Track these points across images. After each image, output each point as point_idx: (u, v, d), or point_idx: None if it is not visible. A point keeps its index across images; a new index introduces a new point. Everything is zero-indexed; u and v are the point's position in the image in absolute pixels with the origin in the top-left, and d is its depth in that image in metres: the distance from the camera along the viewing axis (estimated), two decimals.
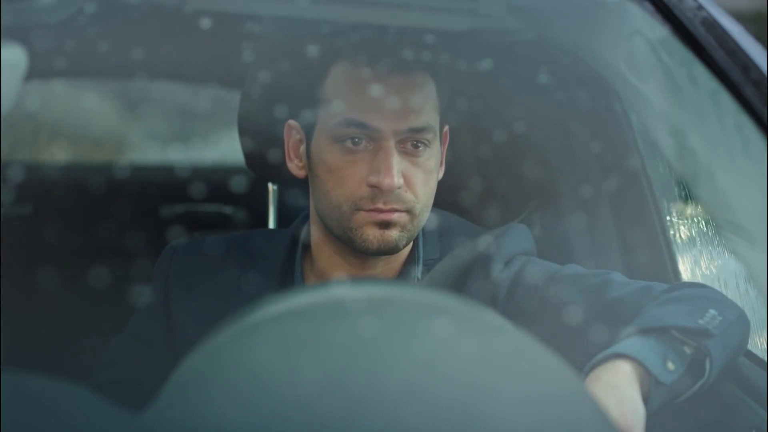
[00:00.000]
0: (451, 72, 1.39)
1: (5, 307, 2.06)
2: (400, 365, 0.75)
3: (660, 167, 1.79)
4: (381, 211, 1.29)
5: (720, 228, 1.52)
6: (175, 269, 1.43)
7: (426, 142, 1.31)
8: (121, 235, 2.45)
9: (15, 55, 1.31)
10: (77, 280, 2.32)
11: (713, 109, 1.29)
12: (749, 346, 1.31)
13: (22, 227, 2.45)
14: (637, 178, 1.80)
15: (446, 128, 1.39)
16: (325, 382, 0.72)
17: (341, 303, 0.80)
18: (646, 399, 1.13)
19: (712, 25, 1.27)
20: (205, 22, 1.46)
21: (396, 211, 1.30)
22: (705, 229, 1.70)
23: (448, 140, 1.41)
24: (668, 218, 1.78)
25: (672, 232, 1.76)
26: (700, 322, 1.19)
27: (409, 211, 1.31)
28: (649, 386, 1.14)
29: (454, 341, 0.78)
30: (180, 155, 3.12)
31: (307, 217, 1.44)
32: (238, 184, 2.40)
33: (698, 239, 1.72)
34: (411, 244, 1.40)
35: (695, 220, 1.73)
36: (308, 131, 1.35)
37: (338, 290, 0.85)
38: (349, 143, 1.29)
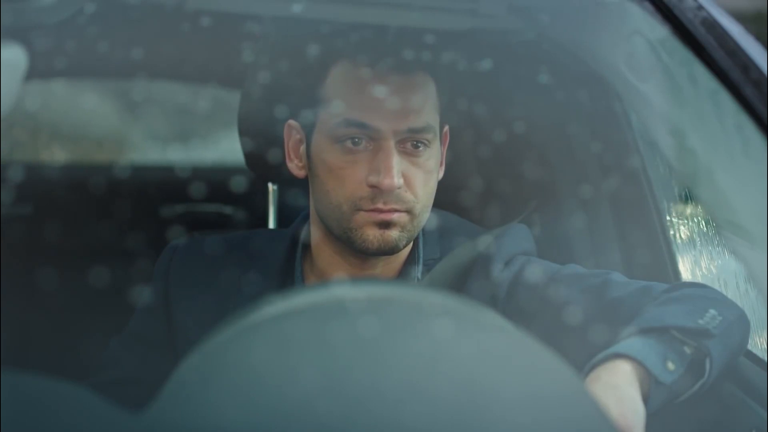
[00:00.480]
0: (452, 72, 1.39)
1: (5, 307, 2.06)
2: (400, 365, 0.75)
3: (660, 167, 1.79)
4: (381, 211, 1.29)
5: (720, 228, 1.52)
6: (175, 269, 1.43)
7: (426, 142, 1.31)
8: (121, 235, 2.45)
9: (15, 55, 1.31)
10: (77, 280, 2.32)
11: (713, 109, 1.29)
12: (749, 346, 1.31)
13: (22, 227, 2.45)
14: (637, 178, 1.80)
15: (446, 128, 1.39)
16: (325, 382, 0.72)
17: (341, 303, 0.80)
18: (646, 399, 1.13)
19: (712, 25, 1.27)
20: (205, 22, 1.46)
21: (396, 211, 1.30)
22: (705, 229, 1.70)
23: (448, 140, 1.41)
24: (668, 218, 1.78)
25: (672, 232, 1.76)
26: (700, 322, 1.19)
27: (409, 211, 1.31)
28: (649, 386, 1.14)
29: (453, 341, 0.78)
30: (180, 155, 3.12)
31: (307, 217, 1.44)
32: (238, 184, 2.40)
33: (698, 239, 1.72)
34: (411, 244, 1.40)
35: (695, 220, 1.73)
36: (308, 131, 1.35)
37: (338, 290, 0.85)
38: (349, 143, 1.29)
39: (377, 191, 1.28)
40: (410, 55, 1.32)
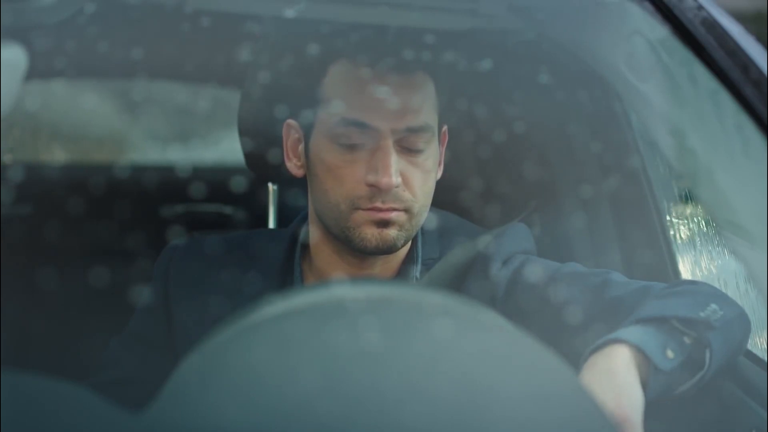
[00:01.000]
0: (451, 72, 1.39)
1: (5, 307, 2.06)
2: (400, 365, 0.75)
3: (660, 167, 1.79)
4: (379, 210, 1.29)
5: (720, 228, 1.52)
6: (174, 269, 1.43)
7: (424, 141, 1.31)
8: (121, 235, 2.45)
9: (15, 55, 1.31)
10: (77, 280, 2.32)
11: (713, 109, 1.29)
12: (749, 346, 1.31)
13: (22, 227, 2.45)
14: (637, 178, 1.80)
15: (445, 128, 1.39)
16: (324, 382, 0.72)
17: (341, 303, 0.80)
18: (644, 386, 1.13)
19: (712, 25, 1.27)
20: (205, 22, 1.46)
21: (394, 210, 1.30)
22: (705, 229, 1.70)
23: (446, 140, 1.41)
24: (668, 218, 1.78)
25: (672, 232, 1.76)
26: (701, 314, 1.18)
27: (407, 210, 1.31)
28: (648, 373, 1.13)
29: (453, 341, 0.78)
30: (180, 155, 3.12)
31: (306, 217, 1.44)
32: (238, 184, 2.40)
33: (698, 239, 1.72)
34: (410, 243, 1.40)
35: (695, 220, 1.73)
36: (307, 131, 1.35)
37: (338, 290, 0.85)
38: (347, 142, 1.30)
39: (375, 190, 1.28)
40: (409, 54, 1.32)
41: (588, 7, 1.49)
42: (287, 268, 1.42)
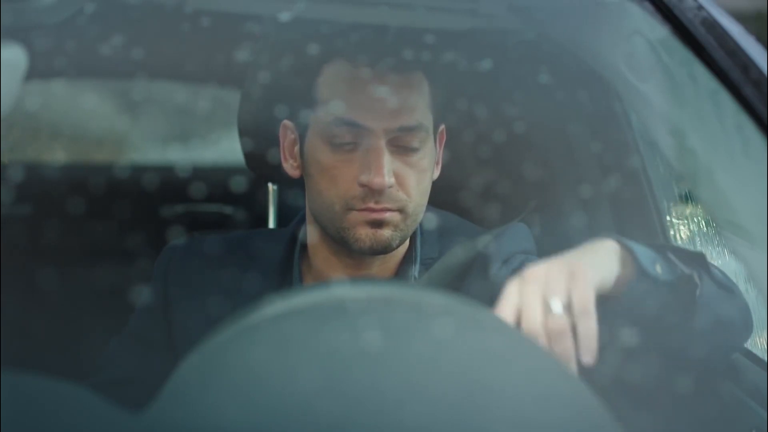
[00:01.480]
0: (451, 72, 1.39)
1: (5, 307, 2.06)
2: (399, 365, 0.75)
3: (660, 167, 1.79)
4: (373, 210, 1.29)
5: (720, 228, 1.52)
6: (174, 269, 1.43)
7: (418, 141, 1.31)
8: (121, 235, 2.45)
9: (15, 55, 1.31)
10: (77, 280, 2.32)
11: (713, 109, 1.29)
12: (749, 346, 1.31)
13: (22, 227, 2.45)
14: (637, 178, 1.80)
15: (442, 128, 1.39)
16: (324, 382, 0.72)
17: (341, 303, 0.80)
18: (625, 282, 1.08)
19: (712, 25, 1.27)
20: (205, 22, 1.46)
21: (388, 210, 1.30)
22: (705, 229, 1.70)
23: (444, 140, 1.41)
24: (668, 218, 1.78)
25: (672, 232, 1.76)
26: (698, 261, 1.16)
27: (401, 210, 1.31)
28: (634, 272, 1.08)
29: (452, 341, 0.78)
30: (180, 155, 3.12)
31: (304, 217, 1.44)
32: (238, 184, 2.40)
33: (698, 239, 1.72)
34: (408, 243, 1.40)
35: (695, 220, 1.73)
36: (302, 131, 1.35)
37: (338, 290, 0.85)
38: (340, 142, 1.30)
39: (368, 190, 1.28)
40: (407, 54, 1.32)
41: (588, 7, 1.49)
42: (286, 268, 1.42)
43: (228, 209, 2.70)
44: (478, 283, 1.38)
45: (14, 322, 2.15)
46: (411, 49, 1.32)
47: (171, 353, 1.36)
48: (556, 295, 1.01)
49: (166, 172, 2.72)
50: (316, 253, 1.40)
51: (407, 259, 1.41)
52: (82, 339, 1.74)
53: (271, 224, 2.04)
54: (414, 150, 1.31)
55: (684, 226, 1.76)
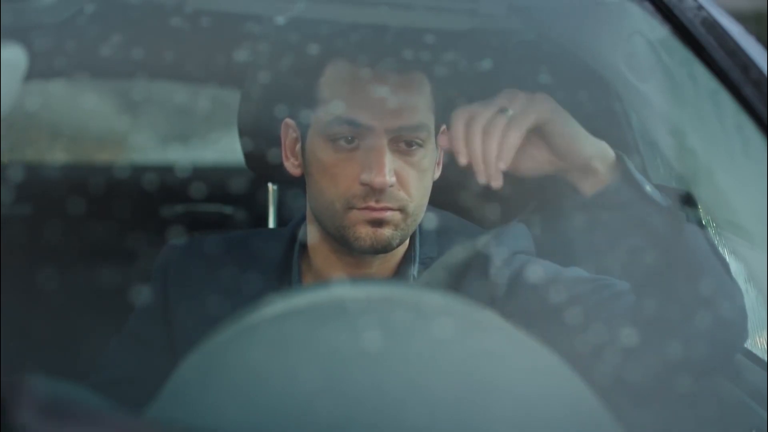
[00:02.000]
0: (451, 72, 1.39)
1: (5, 307, 2.06)
2: (399, 365, 0.75)
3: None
4: (373, 209, 1.29)
5: (720, 228, 1.52)
6: (173, 269, 1.43)
7: (420, 141, 1.31)
8: (121, 235, 2.45)
9: (15, 55, 1.31)
10: (77, 280, 2.32)
11: (713, 109, 1.29)
12: (749, 346, 1.31)
13: (22, 227, 2.45)
14: None
15: (444, 128, 1.39)
16: (324, 382, 0.72)
17: (341, 303, 0.80)
18: (608, 175, 1.25)
19: (712, 25, 1.27)
20: (205, 22, 1.46)
21: (388, 209, 1.30)
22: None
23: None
24: None
25: None
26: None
27: (401, 210, 1.31)
28: (621, 173, 1.25)
29: (452, 341, 0.78)
30: (180, 155, 3.12)
31: (305, 217, 1.44)
32: (238, 184, 2.40)
33: None
34: (407, 242, 1.40)
35: None
36: (303, 130, 1.35)
37: (338, 290, 0.85)
38: (342, 141, 1.30)
39: (369, 189, 1.28)
40: (408, 54, 1.32)
41: (588, 7, 1.49)
42: (286, 267, 1.42)
43: (228, 209, 2.70)
44: (477, 282, 1.37)
45: (14, 322, 2.15)
46: (418, 49, 1.32)
47: (171, 353, 1.36)
48: (514, 108, 1.21)
49: (166, 172, 2.72)
50: (316, 252, 1.40)
51: (406, 258, 1.41)
52: (82, 339, 1.74)
53: (271, 224, 2.04)
54: (415, 150, 1.31)
55: None
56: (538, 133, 1.23)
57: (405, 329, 0.78)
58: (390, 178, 1.28)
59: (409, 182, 1.31)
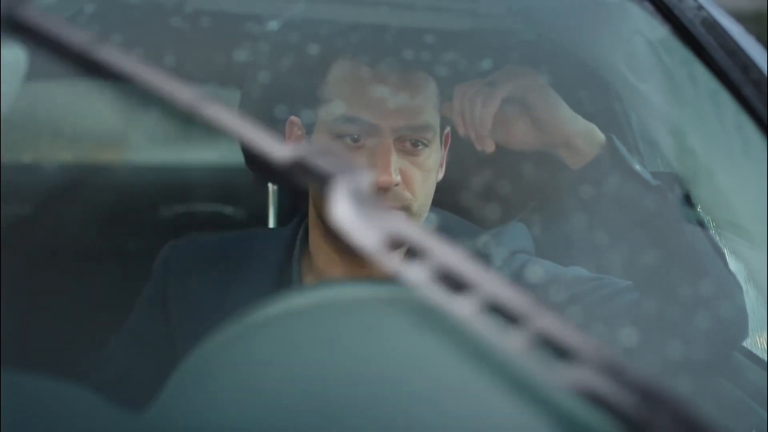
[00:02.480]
0: (452, 72, 1.39)
1: (5, 307, 2.06)
2: (399, 365, 0.75)
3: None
4: None
5: (720, 228, 1.52)
6: (173, 268, 1.43)
7: (425, 141, 1.31)
8: (121, 235, 2.44)
9: (15, 55, 1.31)
10: (77, 280, 2.32)
11: (713, 109, 1.29)
12: (749, 346, 1.31)
13: (22, 227, 2.44)
14: None
15: (448, 130, 1.39)
16: (324, 382, 0.72)
17: (341, 303, 0.80)
18: (594, 153, 1.29)
19: (712, 25, 1.27)
20: (205, 22, 1.46)
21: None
22: None
23: (449, 142, 1.40)
24: None
25: None
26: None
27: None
28: (610, 154, 1.28)
29: (452, 340, 0.78)
30: (180, 155, 3.12)
31: (304, 217, 1.44)
32: (238, 184, 2.40)
33: None
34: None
35: None
36: (309, 128, 1.35)
37: (337, 290, 0.85)
38: (348, 140, 1.30)
39: (374, 188, 1.28)
40: (411, 54, 1.32)
41: (588, 7, 1.49)
42: (286, 267, 1.42)
43: (228, 209, 2.70)
44: None
45: (14, 322, 2.15)
46: (421, 49, 1.33)
47: (171, 352, 1.36)
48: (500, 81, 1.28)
49: (166, 172, 2.71)
50: (318, 252, 1.40)
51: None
52: (82, 338, 1.74)
53: (271, 224, 2.04)
54: (421, 150, 1.31)
55: None
56: (521, 107, 1.28)
57: (406, 329, 0.78)
58: (395, 177, 1.28)
59: (413, 182, 1.31)
